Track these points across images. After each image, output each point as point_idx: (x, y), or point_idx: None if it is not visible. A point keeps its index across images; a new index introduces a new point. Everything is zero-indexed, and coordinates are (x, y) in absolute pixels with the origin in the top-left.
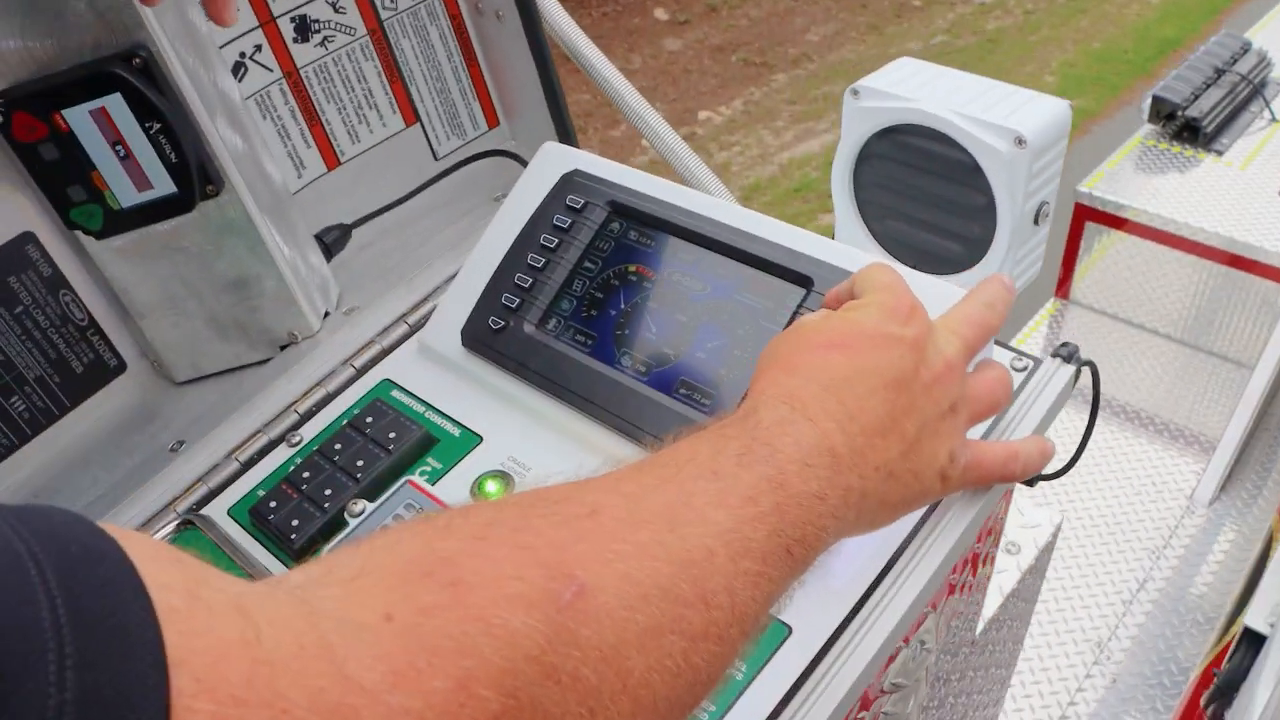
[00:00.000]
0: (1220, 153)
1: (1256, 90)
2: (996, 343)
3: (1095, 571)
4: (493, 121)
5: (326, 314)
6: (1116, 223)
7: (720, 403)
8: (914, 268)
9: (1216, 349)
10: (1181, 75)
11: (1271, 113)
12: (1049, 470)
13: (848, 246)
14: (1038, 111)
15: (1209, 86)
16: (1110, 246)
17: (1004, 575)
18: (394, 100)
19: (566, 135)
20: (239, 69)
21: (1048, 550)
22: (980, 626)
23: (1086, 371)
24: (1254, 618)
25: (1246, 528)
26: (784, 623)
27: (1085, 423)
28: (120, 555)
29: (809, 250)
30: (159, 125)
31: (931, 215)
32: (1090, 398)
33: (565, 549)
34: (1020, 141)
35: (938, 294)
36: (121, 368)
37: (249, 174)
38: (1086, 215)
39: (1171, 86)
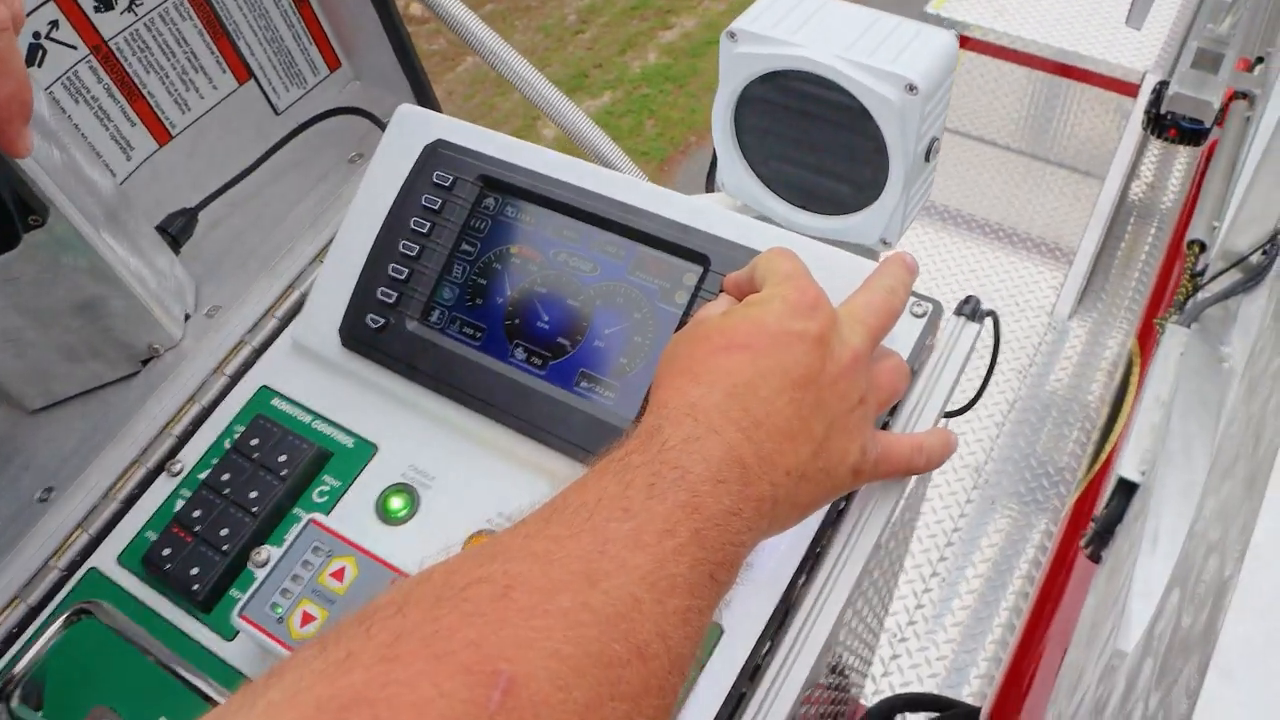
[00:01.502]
0: None
1: None
2: None
3: (967, 397)
4: (333, 63)
5: (187, 318)
6: (961, 41)
7: (624, 394)
8: (804, 209)
9: (1065, 160)
10: None
11: None
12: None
13: (744, 218)
14: (927, 51)
15: None
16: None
17: None
18: (221, 58)
19: (413, 69)
20: (35, 53)
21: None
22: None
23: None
24: (1126, 467)
25: (1109, 339)
26: (715, 623)
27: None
28: None
29: (704, 225)
30: None
31: (819, 159)
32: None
33: (484, 643)
34: (912, 89)
35: (843, 269)
36: None
37: (73, 189)
38: None
39: None
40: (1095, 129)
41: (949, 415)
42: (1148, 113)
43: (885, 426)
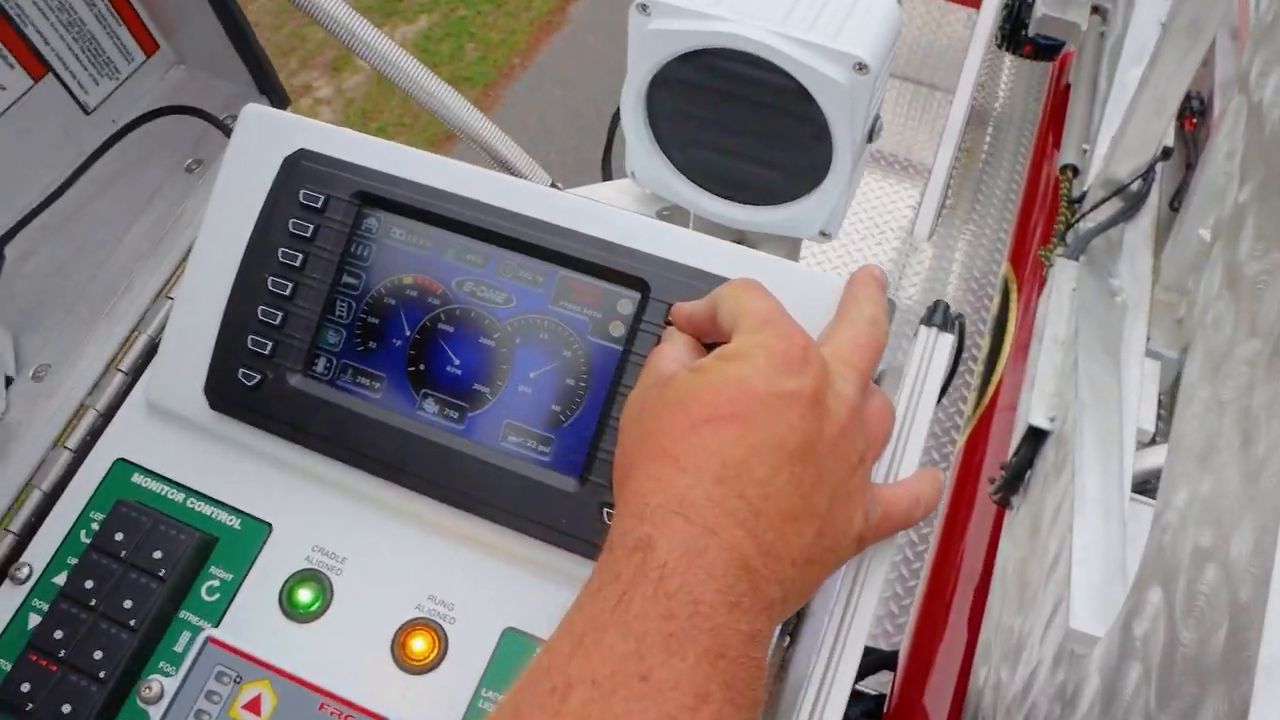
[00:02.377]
0: None
1: None
2: None
3: None
4: (150, 46)
5: (9, 382)
6: None
7: (561, 448)
8: (728, 200)
9: (907, 73)
10: None
11: None
12: None
13: (682, 231)
14: (871, 21)
15: None
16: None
17: None
18: (8, 53)
19: (246, 46)
20: None
21: None
22: None
23: None
24: (1035, 415)
25: (966, 259)
26: None
27: None
28: None
29: (637, 244)
30: None
31: (748, 145)
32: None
33: None
34: (861, 67)
35: (811, 289)
36: None
37: None
38: None
39: None
40: (935, 40)
41: None
42: (1001, 29)
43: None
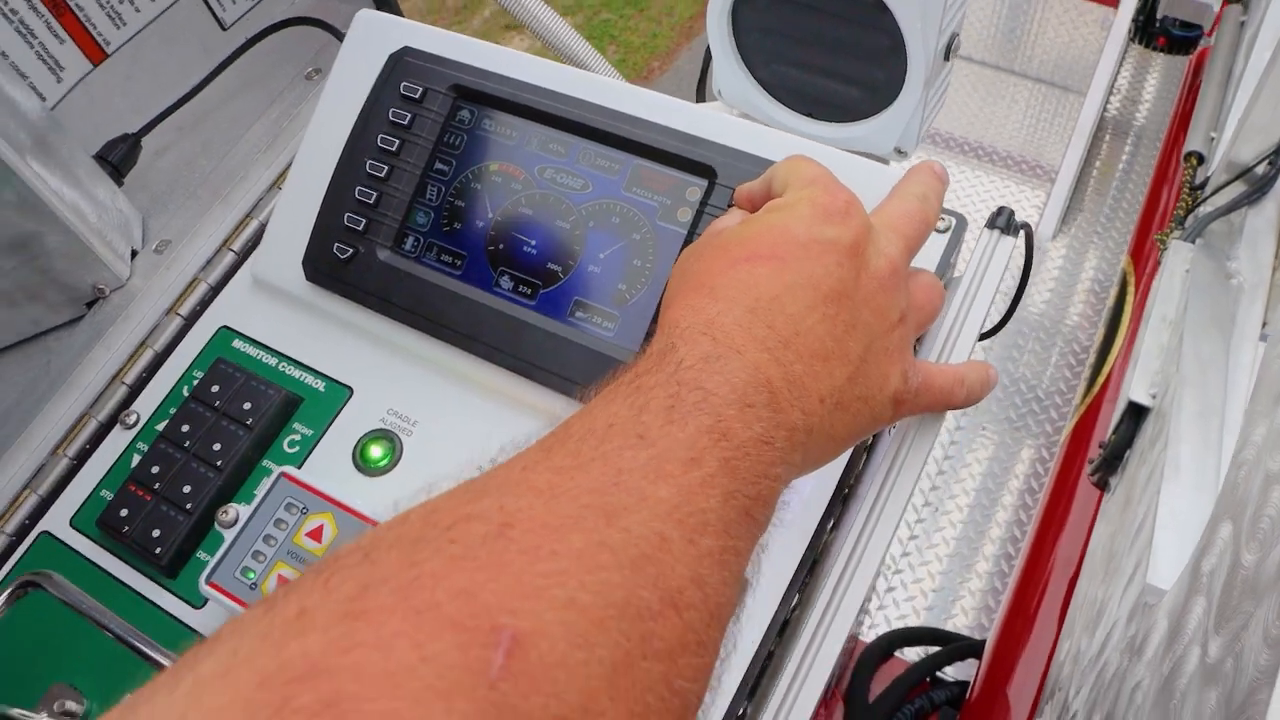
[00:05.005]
0: None
1: None
2: None
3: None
4: None
5: (134, 254)
6: None
7: (624, 324)
8: (810, 117)
9: (1040, 74)
10: None
11: None
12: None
13: (752, 124)
14: None
15: None
16: None
17: None
18: None
19: None
20: None
21: None
22: None
23: None
24: (1136, 390)
25: (1093, 259)
26: None
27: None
28: None
29: (706, 133)
30: None
31: (827, 60)
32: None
33: (478, 592)
34: None
35: (868, 178)
36: None
37: None
38: None
39: None
40: (1072, 41)
41: (980, 338)
42: (1135, 20)
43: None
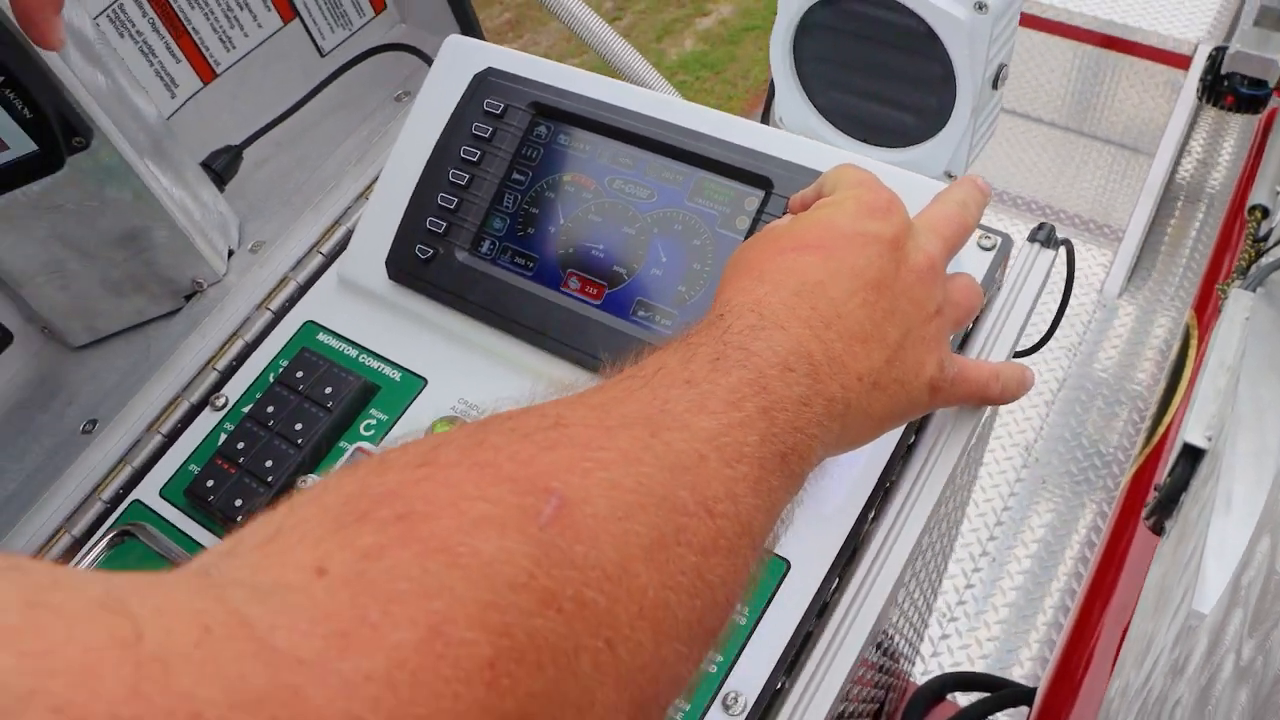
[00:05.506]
0: None
1: None
2: None
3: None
4: (379, 5)
5: (231, 253)
6: None
7: (683, 322)
8: (865, 142)
9: (1111, 136)
10: None
11: None
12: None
13: (808, 140)
14: None
15: None
16: None
17: None
18: None
19: (464, 14)
20: None
21: None
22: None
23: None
24: (1191, 433)
25: (1160, 318)
26: (781, 557)
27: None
28: None
29: (765, 147)
30: (3, 79)
31: (882, 87)
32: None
33: (533, 462)
34: (981, 7)
35: (912, 189)
36: (7, 338)
37: (119, 114)
38: None
39: None
40: (1143, 104)
41: (1019, 355)
42: (1203, 80)
43: None
